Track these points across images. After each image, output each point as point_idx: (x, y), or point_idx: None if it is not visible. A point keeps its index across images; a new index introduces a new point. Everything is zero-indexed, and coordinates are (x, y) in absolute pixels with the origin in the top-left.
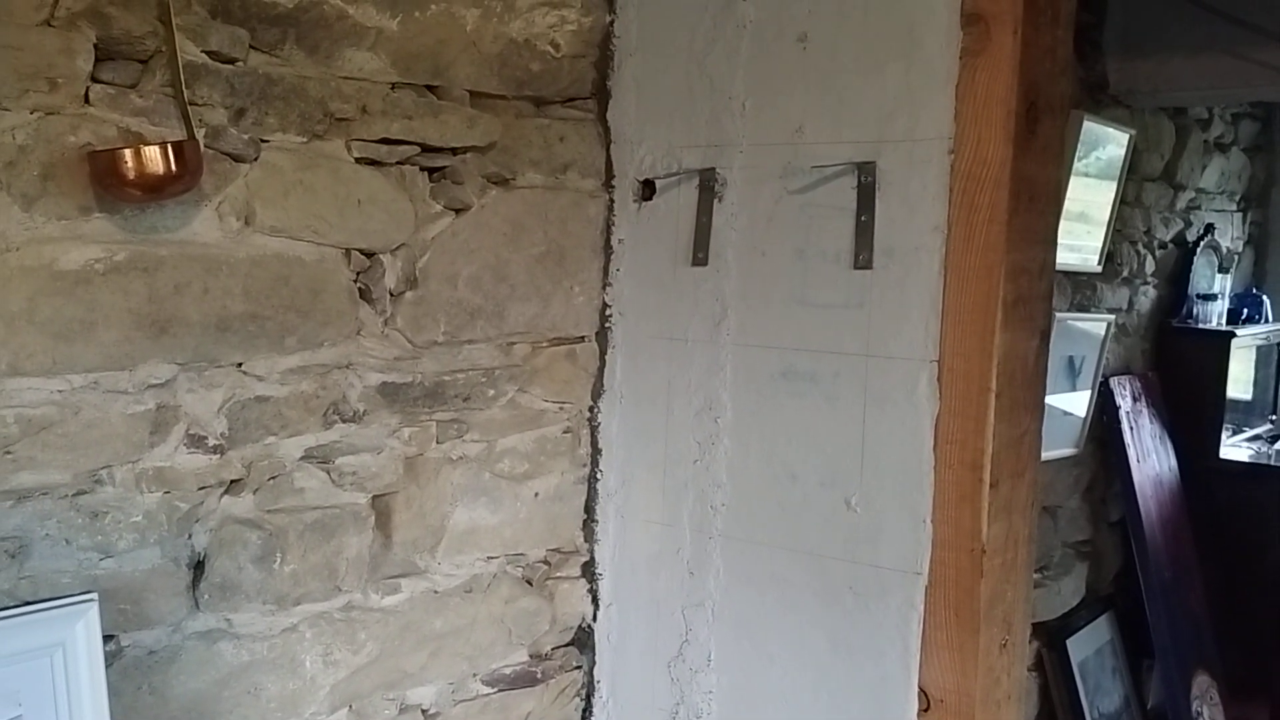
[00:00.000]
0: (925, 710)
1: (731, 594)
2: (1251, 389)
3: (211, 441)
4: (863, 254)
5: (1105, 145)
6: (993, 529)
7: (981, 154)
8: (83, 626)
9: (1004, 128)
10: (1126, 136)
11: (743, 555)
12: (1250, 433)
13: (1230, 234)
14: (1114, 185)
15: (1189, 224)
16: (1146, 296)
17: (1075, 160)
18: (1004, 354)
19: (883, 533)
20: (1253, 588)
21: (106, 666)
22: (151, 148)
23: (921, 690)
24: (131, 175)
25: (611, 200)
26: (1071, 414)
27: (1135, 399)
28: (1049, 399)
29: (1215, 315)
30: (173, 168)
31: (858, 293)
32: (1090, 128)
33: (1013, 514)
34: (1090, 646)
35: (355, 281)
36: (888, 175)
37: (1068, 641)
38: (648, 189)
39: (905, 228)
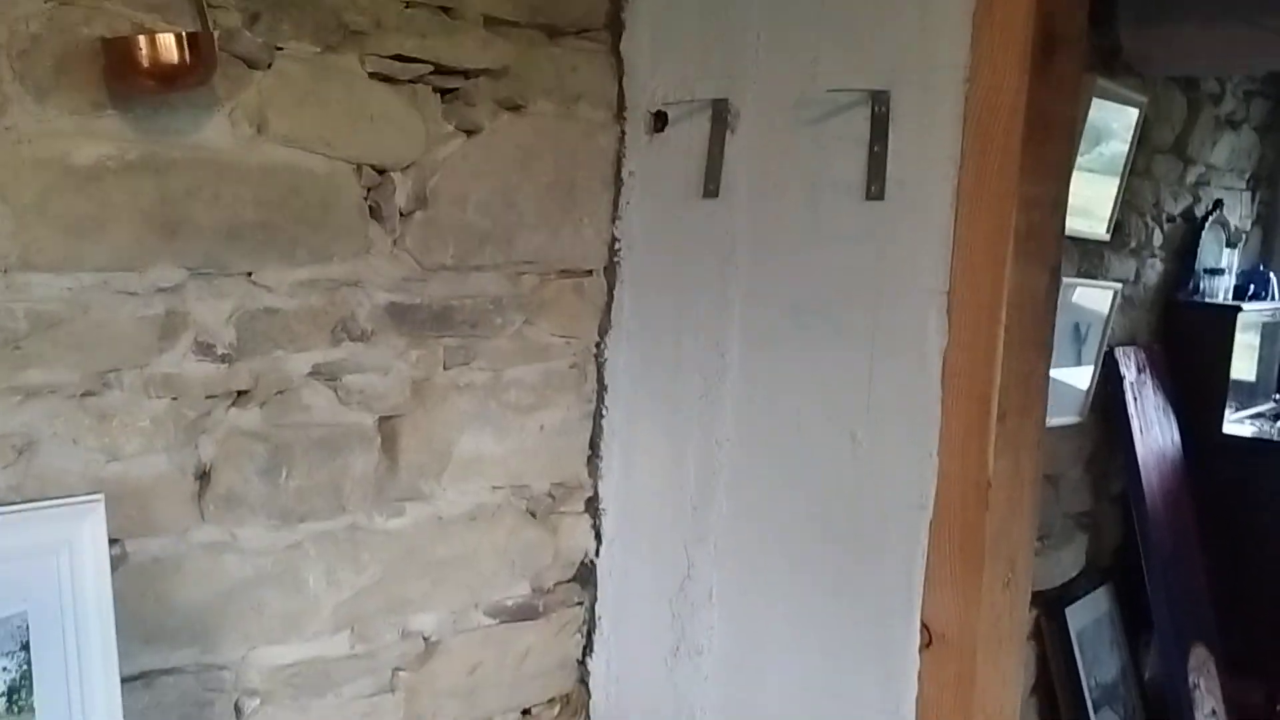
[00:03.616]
0: (927, 645)
1: (735, 530)
2: (1255, 368)
3: (220, 350)
4: (875, 185)
5: (1114, 117)
6: (999, 463)
7: (997, 83)
8: (89, 526)
9: (1020, 58)
10: (1137, 107)
11: (746, 491)
12: (1253, 410)
13: (1239, 212)
14: (1124, 153)
15: (1198, 199)
16: (1154, 269)
17: (1084, 125)
18: (1014, 287)
19: (888, 468)
20: (1253, 564)
21: (111, 571)
22: (166, 35)
23: (924, 625)
24: (145, 63)
25: (623, 132)
26: (1075, 384)
27: (1140, 370)
28: (1053, 371)
29: (1222, 290)
30: (186, 58)
31: (869, 225)
32: (1102, 89)
33: (1020, 451)
34: (1088, 616)
35: (366, 199)
36: (902, 105)
37: (1066, 610)
38: (659, 121)
39: (918, 158)
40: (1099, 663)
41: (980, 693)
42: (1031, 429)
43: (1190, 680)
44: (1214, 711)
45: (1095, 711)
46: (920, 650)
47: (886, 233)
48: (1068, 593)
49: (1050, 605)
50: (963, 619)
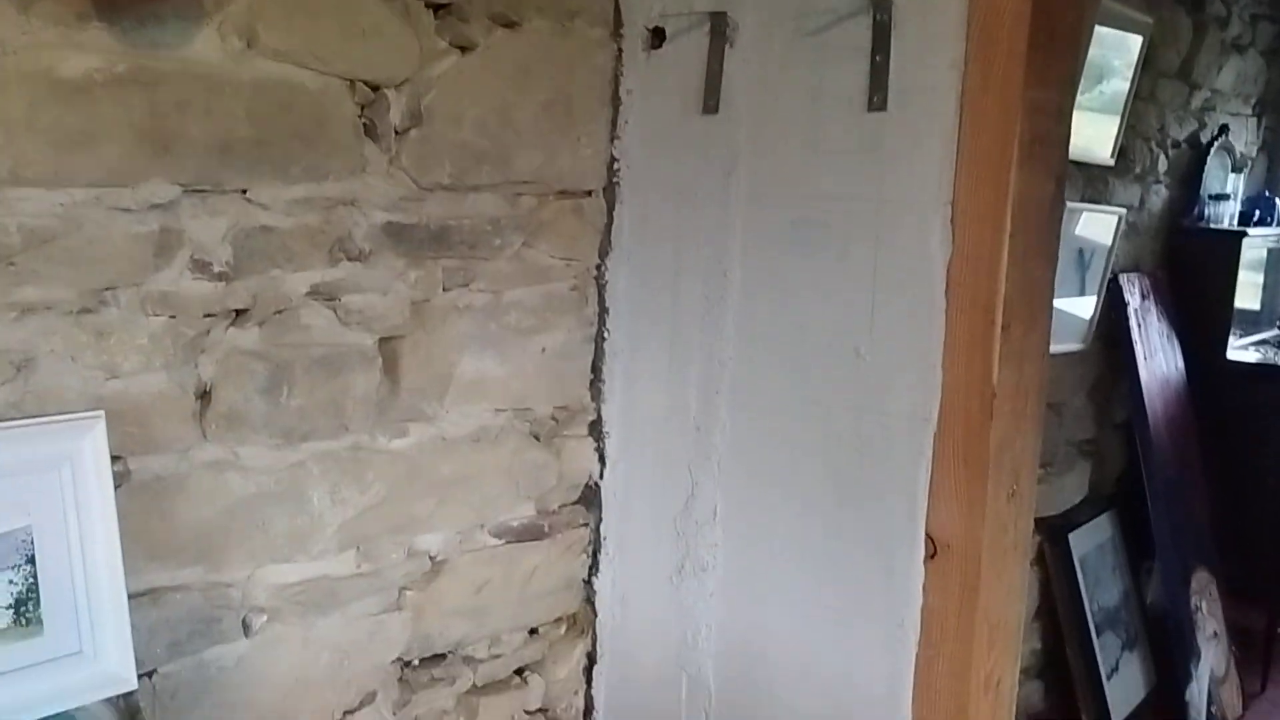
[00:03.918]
0: (932, 556)
1: (738, 449)
2: (1260, 295)
3: (216, 268)
4: (877, 95)
5: (1116, 53)
6: (1004, 373)
7: None
8: (90, 442)
9: None
10: (1142, 31)
11: (750, 409)
12: (1257, 337)
13: (1245, 138)
14: (1125, 91)
15: (1203, 124)
16: (1158, 195)
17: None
18: (1019, 195)
19: (892, 381)
20: (1255, 489)
21: (115, 488)
22: None
23: (928, 537)
24: None
25: (620, 49)
26: (1079, 311)
27: (1144, 297)
28: (1056, 301)
29: (1227, 216)
30: None
31: (872, 136)
32: (1107, 11)
33: (1024, 361)
34: (1091, 542)
35: (360, 116)
36: (904, 12)
37: (1070, 536)
38: (657, 37)
39: (921, 66)
40: (1101, 587)
41: (985, 603)
42: (1036, 340)
43: (1192, 603)
44: (1215, 634)
45: (1098, 635)
46: (925, 561)
47: (889, 144)
48: (1071, 519)
49: (1054, 532)
50: (967, 530)
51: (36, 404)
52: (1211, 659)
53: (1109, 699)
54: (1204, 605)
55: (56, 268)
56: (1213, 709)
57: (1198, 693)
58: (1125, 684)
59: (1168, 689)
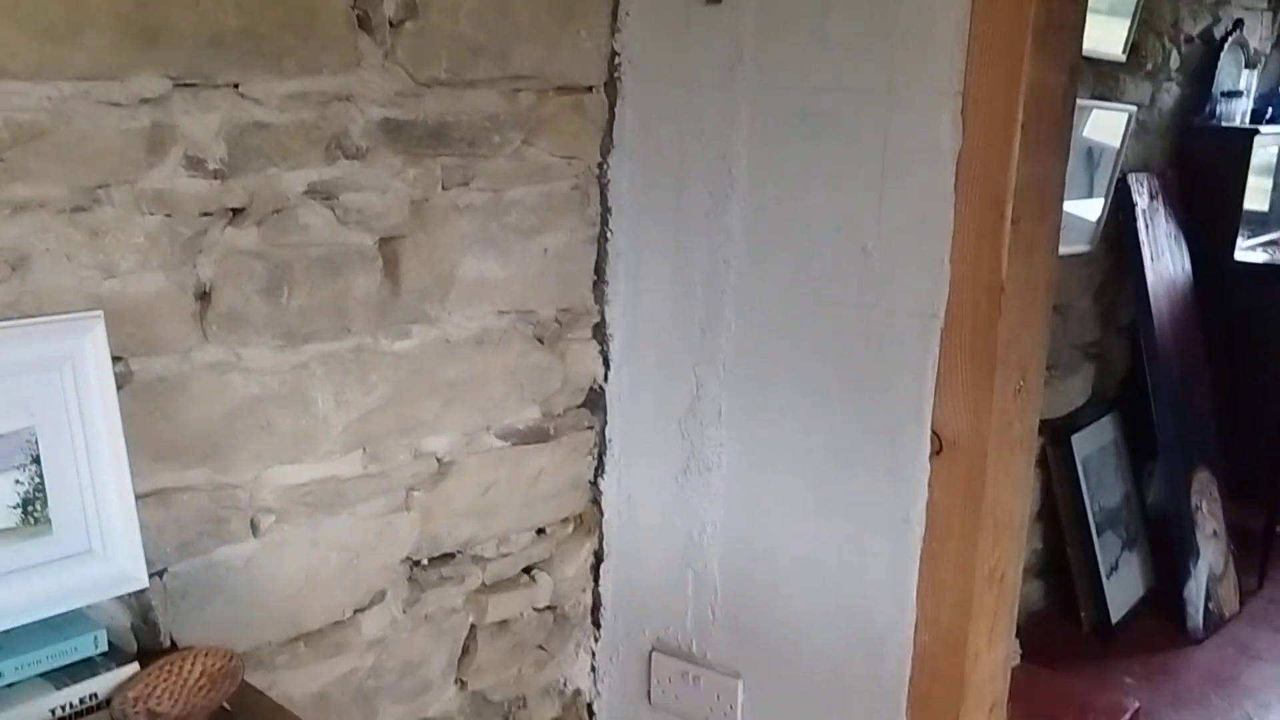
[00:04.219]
0: (938, 453)
1: (743, 348)
2: (1270, 196)
3: (211, 166)
4: None
5: None
6: (1012, 267)
7: None
8: (90, 342)
9: None
10: None
11: (755, 308)
12: (1266, 237)
13: (1259, 33)
14: None
15: (1217, 19)
16: (1169, 94)
17: None
18: (1031, 84)
19: (899, 277)
20: (1259, 389)
21: (118, 389)
22: None
23: (934, 433)
24: None
25: None
26: (1086, 213)
27: (1153, 197)
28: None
29: (1239, 113)
30: None
31: (880, 24)
32: None
33: (1033, 255)
34: (1094, 444)
35: (353, 7)
36: None
37: (1072, 438)
38: None
39: None
40: (1103, 488)
41: (990, 498)
42: (1046, 234)
43: (1192, 503)
44: (1214, 533)
45: (1098, 535)
46: (930, 457)
47: (899, 32)
48: (1074, 422)
49: (1057, 434)
50: (974, 425)
51: (34, 304)
52: (1210, 557)
53: (1108, 597)
54: (1204, 505)
55: (47, 164)
56: (1210, 606)
57: (1196, 590)
58: (1124, 583)
59: (1166, 587)
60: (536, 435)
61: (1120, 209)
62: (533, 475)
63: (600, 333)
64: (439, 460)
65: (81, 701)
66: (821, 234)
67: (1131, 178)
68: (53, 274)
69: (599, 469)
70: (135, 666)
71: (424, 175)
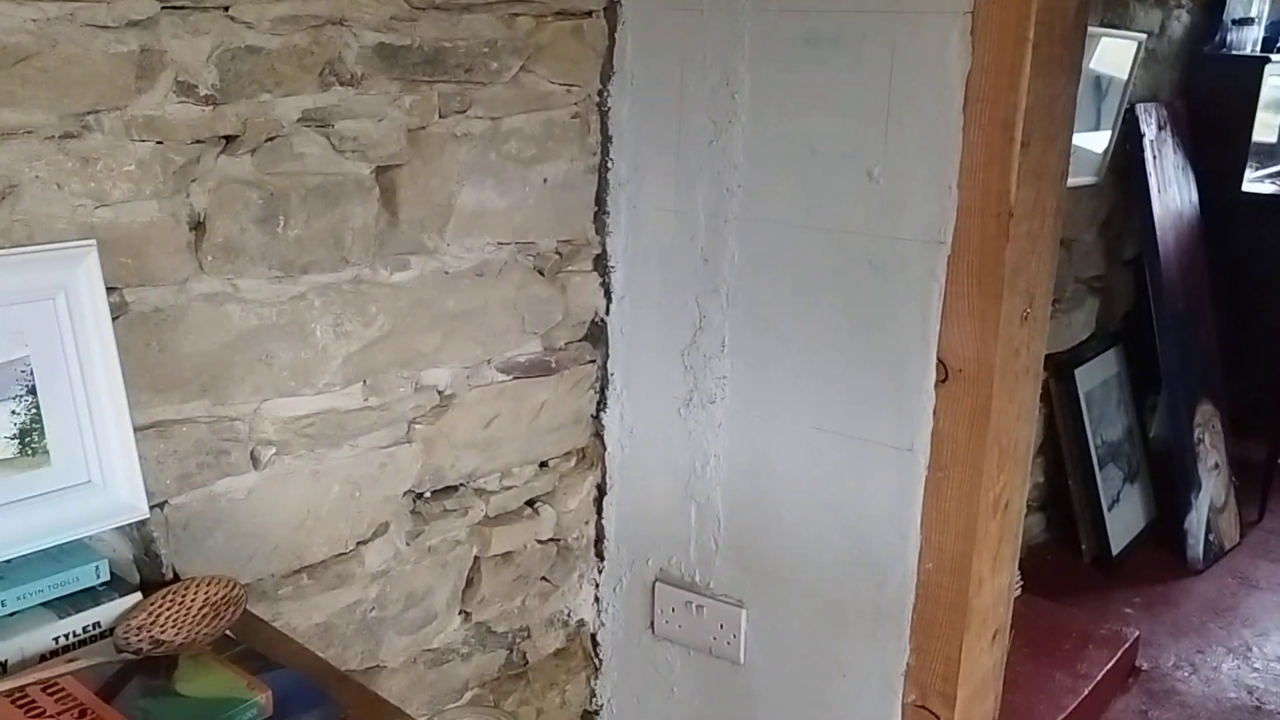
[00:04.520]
0: (943, 381)
1: (746, 278)
2: (1278, 130)
3: (203, 91)
4: None
5: None
6: (1021, 192)
7: None
8: (84, 271)
9: None
10: None
11: (759, 238)
12: (1275, 168)
13: None
14: None
15: None
16: (1179, 22)
17: None
18: (1043, 2)
19: (905, 203)
20: (1264, 322)
21: (113, 320)
22: None
23: (940, 361)
24: None
25: None
26: (1093, 145)
27: (1160, 127)
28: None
29: (1250, 41)
30: None
31: None
32: None
33: (1042, 180)
34: (1097, 378)
35: None
36: None
37: (1076, 371)
38: None
39: None
40: (1106, 422)
41: (996, 426)
42: (1055, 158)
43: (1195, 435)
44: (1216, 465)
45: (1100, 468)
46: (936, 386)
47: None
48: (1077, 356)
49: (1060, 368)
50: (980, 353)
51: (25, 233)
52: (1212, 489)
53: (1109, 529)
54: (1206, 437)
55: (34, 89)
56: (1210, 537)
57: (1196, 522)
58: (1125, 515)
59: (1167, 519)
60: (538, 368)
61: (1128, 140)
62: (534, 409)
63: (601, 264)
64: (440, 393)
65: (85, 630)
66: (827, 160)
67: (1140, 108)
68: (43, 202)
69: (601, 402)
70: (138, 596)
71: (421, 103)
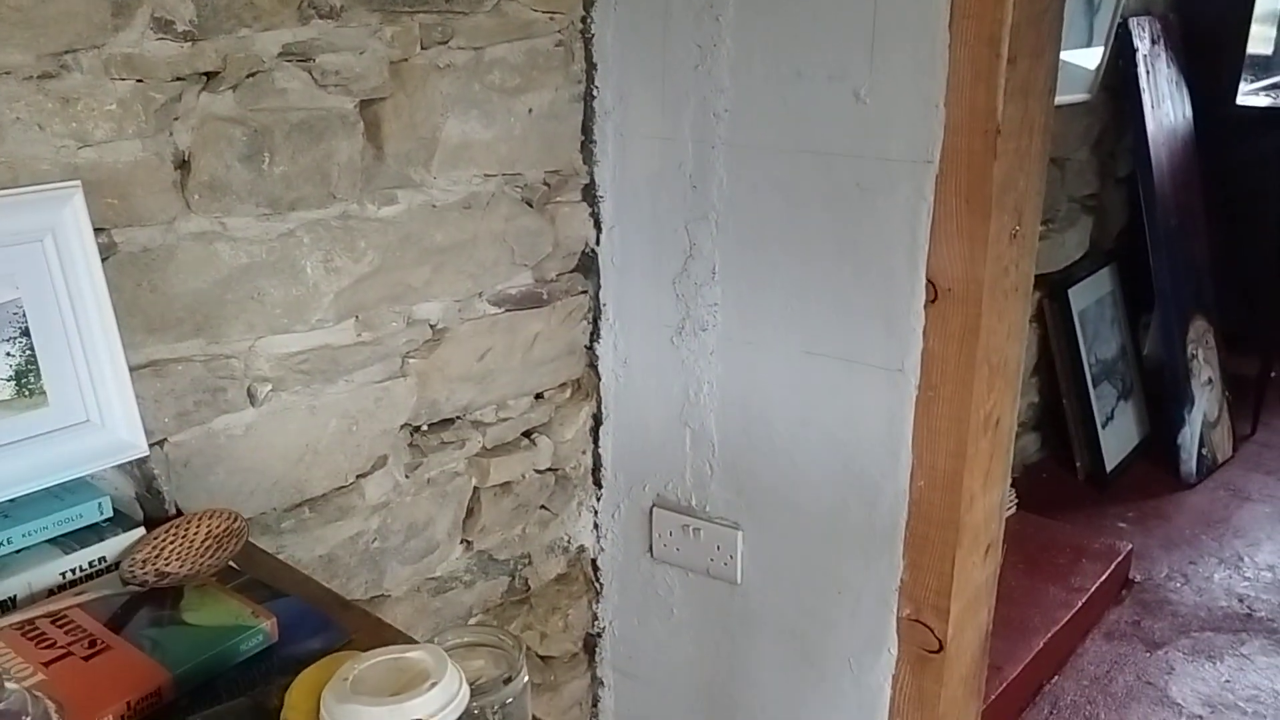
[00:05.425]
0: (933, 301)
1: (735, 204)
2: (1274, 39)
3: (180, 27)
4: None
5: None
6: (1008, 109)
7: None
8: (70, 212)
9: None
10: None
11: (746, 163)
12: (1269, 81)
13: None
14: None
15: None
16: None
17: None
18: None
19: (892, 123)
20: (1258, 237)
21: (102, 260)
22: None
23: (929, 281)
24: None
25: None
26: (1085, 62)
27: (1154, 41)
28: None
29: None
30: None
31: None
32: None
33: (1029, 97)
34: (1091, 297)
35: None
36: None
37: (1069, 291)
38: None
39: None
40: (1099, 340)
41: (985, 345)
42: (1042, 74)
43: (1189, 351)
44: (1209, 381)
45: (1094, 386)
46: (925, 306)
47: None
48: (1071, 275)
49: (1053, 287)
50: (969, 272)
51: (9, 175)
52: (1205, 405)
53: (1103, 446)
54: (1200, 353)
55: (8, 29)
56: (1203, 451)
57: (1189, 436)
58: (1120, 432)
59: (1161, 435)
60: (530, 300)
61: (1120, 55)
62: (528, 341)
63: (590, 194)
64: (432, 327)
65: (90, 565)
66: (813, 82)
67: (1133, 22)
68: (25, 143)
69: (594, 334)
70: (141, 531)
71: (402, 34)
